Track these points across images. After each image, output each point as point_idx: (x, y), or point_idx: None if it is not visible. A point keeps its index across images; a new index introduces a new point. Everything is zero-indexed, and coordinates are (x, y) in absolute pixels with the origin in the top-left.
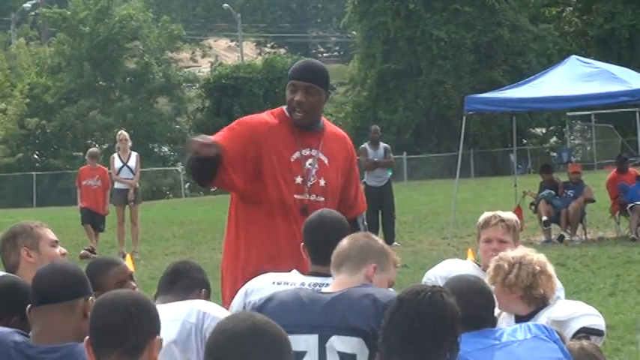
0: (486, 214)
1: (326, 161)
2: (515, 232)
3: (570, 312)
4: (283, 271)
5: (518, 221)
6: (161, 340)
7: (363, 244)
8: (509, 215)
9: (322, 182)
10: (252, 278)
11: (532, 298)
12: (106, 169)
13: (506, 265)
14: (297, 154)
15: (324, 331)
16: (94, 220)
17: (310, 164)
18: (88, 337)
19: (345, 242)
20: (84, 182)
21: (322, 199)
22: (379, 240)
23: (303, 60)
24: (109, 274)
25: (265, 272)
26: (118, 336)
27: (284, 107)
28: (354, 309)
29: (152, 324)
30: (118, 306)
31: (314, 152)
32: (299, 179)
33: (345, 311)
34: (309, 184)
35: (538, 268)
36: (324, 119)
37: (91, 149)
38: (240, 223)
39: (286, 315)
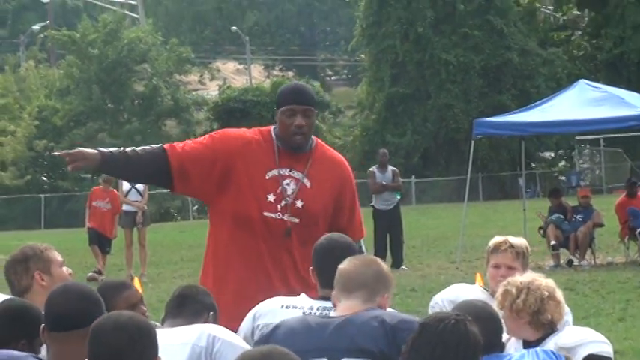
0: (497, 239)
1: (308, 184)
2: (524, 258)
3: (578, 338)
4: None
5: (528, 247)
6: None
7: (376, 271)
8: (520, 241)
9: (299, 204)
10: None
11: (540, 324)
12: (118, 194)
13: (514, 290)
14: (273, 172)
15: (333, 354)
16: (100, 242)
17: (287, 184)
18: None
19: (357, 266)
20: (94, 203)
21: (296, 220)
22: (384, 264)
23: (291, 84)
24: (120, 297)
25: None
26: None
27: (272, 127)
28: (362, 331)
29: (153, 346)
30: (122, 331)
31: (296, 174)
32: (271, 197)
33: (354, 334)
34: (283, 203)
35: (546, 293)
36: (319, 141)
37: None
38: (211, 236)
39: (295, 341)
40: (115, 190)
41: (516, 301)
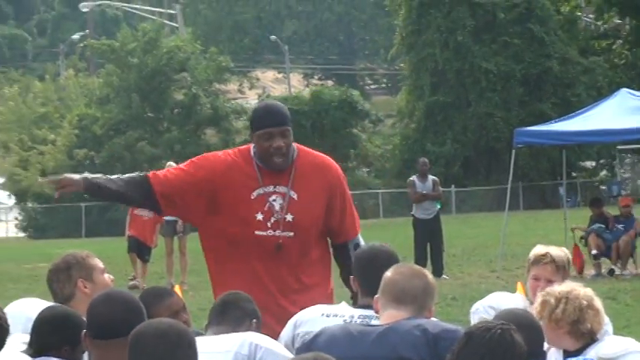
0: (538, 250)
1: (295, 197)
2: (565, 271)
3: (620, 349)
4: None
5: (570, 258)
6: None
7: (425, 283)
8: (561, 254)
9: (289, 217)
10: None
11: (580, 333)
12: None
13: (552, 300)
14: (258, 191)
15: None
16: (140, 250)
17: (274, 200)
18: None
19: (408, 278)
20: (135, 211)
21: (290, 234)
22: (429, 274)
23: (262, 104)
24: (162, 304)
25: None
26: None
27: (251, 146)
28: (404, 340)
29: (193, 354)
30: (162, 338)
31: (281, 189)
32: (260, 216)
33: (396, 342)
34: (272, 219)
35: (585, 302)
36: (302, 148)
37: None
38: (214, 265)
39: (336, 348)
40: None
41: (555, 311)
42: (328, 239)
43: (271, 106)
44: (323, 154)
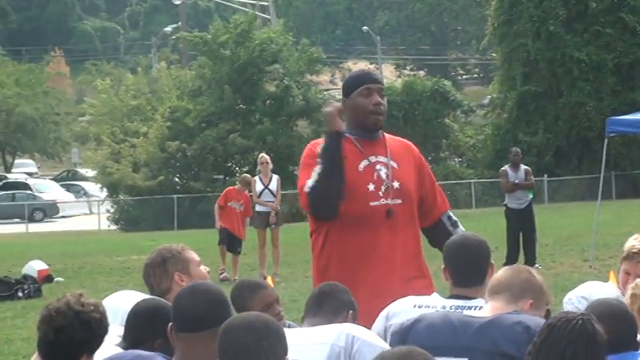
0: (632, 245)
1: (396, 165)
2: None
3: None
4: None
5: None
6: None
7: (525, 278)
8: None
9: (396, 184)
10: None
11: None
12: (250, 196)
13: None
14: (364, 163)
15: (474, 354)
16: (231, 242)
17: (380, 169)
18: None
19: (508, 272)
20: (229, 203)
21: (399, 201)
22: (539, 276)
23: (358, 69)
24: (255, 297)
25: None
26: (249, 359)
27: None
28: (505, 335)
29: (281, 346)
30: (248, 329)
31: (382, 158)
32: (371, 186)
33: (497, 337)
34: (383, 188)
35: None
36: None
37: (245, 175)
38: (324, 244)
39: (436, 336)
40: (247, 193)
41: None
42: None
43: (364, 69)
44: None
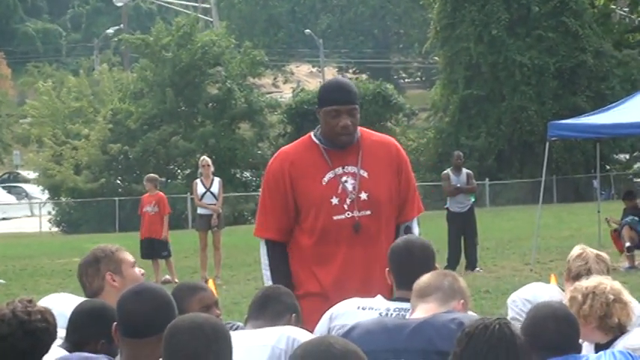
0: (579, 265)
1: (366, 175)
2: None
3: None
4: (346, 298)
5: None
6: None
7: (452, 280)
8: (602, 267)
9: (364, 196)
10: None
11: (608, 327)
12: (164, 195)
13: (579, 297)
14: (329, 175)
15: (410, 355)
16: (153, 249)
17: (346, 181)
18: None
19: (434, 276)
20: (144, 209)
21: (368, 212)
22: (462, 280)
23: (332, 81)
24: (194, 298)
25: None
26: None
27: (311, 133)
28: (441, 333)
29: (228, 349)
30: (197, 333)
31: (350, 169)
32: (335, 200)
33: (432, 335)
34: (348, 200)
35: (612, 297)
36: (363, 130)
37: (148, 175)
38: (296, 257)
39: (371, 342)
40: (160, 193)
41: (583, 307)
42: None
43: (340, 83)
44: (383, 134)
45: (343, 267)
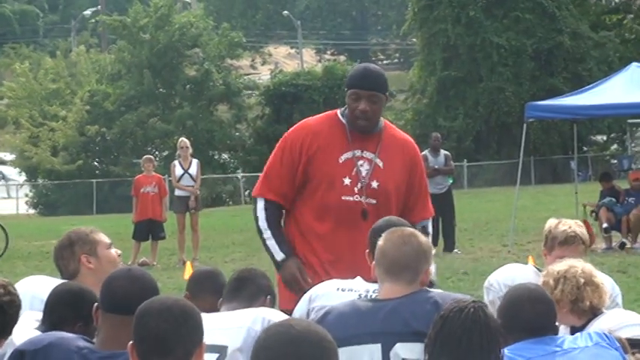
0: (564, 230)
1: (381, 164)
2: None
3: (616, 322)
4: (341, 277)
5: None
6: (205, 345)
7: (416, 248)
8: (584, 231)
9: (375, 184)
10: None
11: (581, 311)
12: (163, 178)
13: (551, 281)
14: (347, 155)
15: (387, 339)
16: (153, 230)
17: (362, 165)
18: (131, 343)
19: (397, 245)
20: (142, 190)
21: (374, 201)
22: (423, 236)
23: (362, 66)
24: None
25: (323, 278)
26: (167, 345)
27: (338, 110)
28: (416, 314)
29: (199, 331)
30: (166, 315)
31: (368, 154)
32: (347, 180)
33: (407, 317)
34: (359, 185)
35: (582, 280)
36: (387, 122)
37: (145, 157)
38: (296, 229)
39: (346, 326)
40: (157, 174)
41: (554, 292)
42: None
43: (367, 69)
44: (405, 133)
45: (347, 249)
